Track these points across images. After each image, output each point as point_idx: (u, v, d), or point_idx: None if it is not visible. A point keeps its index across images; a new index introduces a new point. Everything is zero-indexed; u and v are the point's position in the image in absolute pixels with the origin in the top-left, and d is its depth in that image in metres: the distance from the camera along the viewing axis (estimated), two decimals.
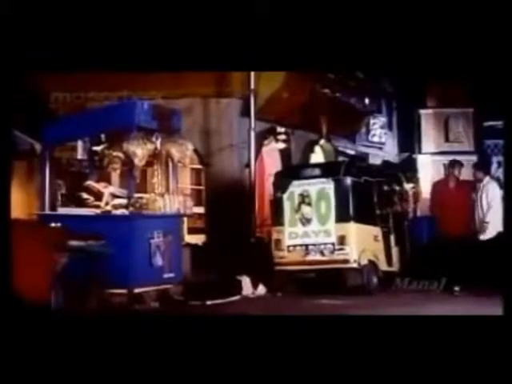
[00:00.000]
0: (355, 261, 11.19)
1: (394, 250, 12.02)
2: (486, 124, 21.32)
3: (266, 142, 15.46)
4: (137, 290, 9.74)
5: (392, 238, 12.02)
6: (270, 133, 15.54)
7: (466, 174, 12.05)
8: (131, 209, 10.02)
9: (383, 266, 11.60)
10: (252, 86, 14.02)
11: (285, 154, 16.25)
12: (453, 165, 11.79)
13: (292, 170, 13.65)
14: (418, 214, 18.33)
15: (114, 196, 10.55)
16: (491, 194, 11.07)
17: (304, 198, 11.67)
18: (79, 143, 12.72)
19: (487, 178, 11.43)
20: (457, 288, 10.49)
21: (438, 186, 12.10)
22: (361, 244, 11.33)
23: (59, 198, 11.17)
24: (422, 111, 22.28)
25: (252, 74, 13.77)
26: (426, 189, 15.29)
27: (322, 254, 11.40)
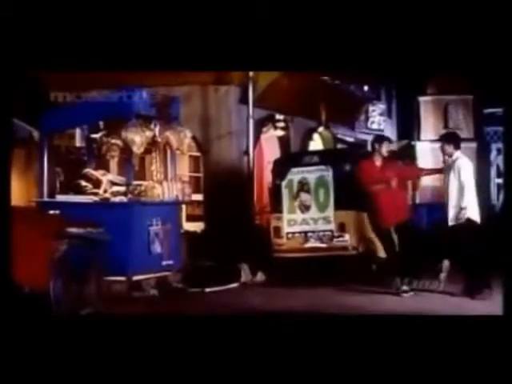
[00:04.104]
0: (354, 248, 11.20)
1: (393, 237, 11.97)
2: (486, 111, 21.25)
3: (264, 129, 15.42)
4: (135, 278, 9.76)
5: None
6: (269, 120, 15.49)
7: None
8: (130, 196, 10.04)
9: (382, 253, 11.58)
10: (251, 74, 13.99)
11: (283, 142, 16.22)
12: (378, 141, 10.06)
13: (291, 158, 13.64)
14: (417, 201, 18.36)
15: (113, 183, 10.55)
16: (464, 173, 9.11)
17: (303, 186, 11.66)
18: (77, 131, 12.67)
19: (458, 153, 9.33)
20: (405, 288, 9.40)
21: (363, 165, 10.05)
22: (360, 231, 11.33)
23: (58, 185, 11.17)
24: (422, 98, 22.16)
25: None
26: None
27: (321, 241, 11.40)
